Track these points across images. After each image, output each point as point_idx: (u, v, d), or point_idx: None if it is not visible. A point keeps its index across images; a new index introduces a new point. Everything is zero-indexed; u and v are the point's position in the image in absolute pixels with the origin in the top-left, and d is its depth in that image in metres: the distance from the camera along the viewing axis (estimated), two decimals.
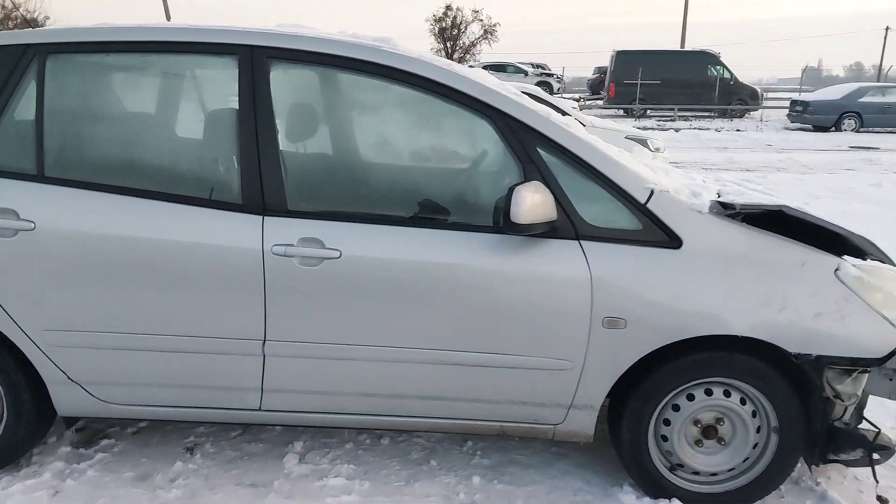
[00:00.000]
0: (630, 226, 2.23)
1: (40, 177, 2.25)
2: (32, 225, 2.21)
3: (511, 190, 2.03)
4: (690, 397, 2.31)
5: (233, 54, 2.26)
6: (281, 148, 2.25)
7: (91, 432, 2.81)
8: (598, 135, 9.79)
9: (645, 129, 18.66)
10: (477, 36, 47.12)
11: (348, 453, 2.68)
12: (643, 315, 2.19)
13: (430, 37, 47.11)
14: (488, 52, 46.01)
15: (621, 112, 23.28)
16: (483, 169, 2.41)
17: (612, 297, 2.19)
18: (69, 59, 2.30)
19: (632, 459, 2.37)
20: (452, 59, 47.27)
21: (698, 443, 2.36)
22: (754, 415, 2.31)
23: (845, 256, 2.25)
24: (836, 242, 2.39)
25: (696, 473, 2.38)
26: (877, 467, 2.34)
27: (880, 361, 2.20)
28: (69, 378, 2.34)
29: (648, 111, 23.01)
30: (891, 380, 2.32)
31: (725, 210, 2.29)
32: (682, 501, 2.35)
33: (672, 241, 2.21)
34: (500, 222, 2.16)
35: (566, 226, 2.21)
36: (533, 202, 2.03)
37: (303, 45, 2.27)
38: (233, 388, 2.34)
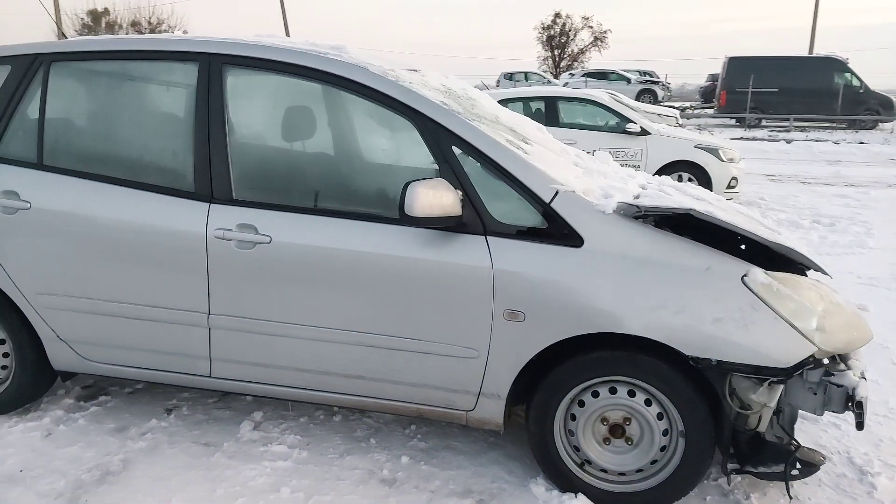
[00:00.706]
0: (535, 223, 2.31)
1: (39, 164, 2.69)
2: (28, 205, 2.64)
3: (406, 185, 2.18)
4: (595, 394, 2.34)
5: (194, 61, 2.59)
6: (229, 143, 2.54)
7: (95, 389, 3.25)
8: (663, 143, 9.54)
9: (754, 139, 17.73)
10: (586, 43, 46.53)
11: (300, 426, 2.93)
12: (541, 309, 2.26)
13: (538, 45, 47.11)
14: (598, 60, 45.26)
15: (733, 121, 22.14)
16: (404, 165, 2.57)
17: (512, 290, 2.28)
18: (66, 66, 2.73)
19: (539, 452, 2.44)
20: (560, 67, 46.62)
21: (606, 441, 2.38)
22: (660, 417, 2.30)
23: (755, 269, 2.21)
24: (764, 251, 2.35)
25: (605, 471, 2.40)
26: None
27: (787, 371, 2.14)
28: (58, 336, 2.75)
29: (763, 121, 21.71)
30: (815, 394, 2.24)
31: (634, 212, 2.31)
32: (588, 498, 2.38)
33: (573, 239, 2.27)
34: None
35: (475, 221, 2.33)
36: (427, 197, 2.17)
37: (252, 53, 2.56)
38: (187, 355, 2.65)
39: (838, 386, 2.20)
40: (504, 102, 9.16)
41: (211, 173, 2.53)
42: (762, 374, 2.15)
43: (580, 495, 2.39)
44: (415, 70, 2.90)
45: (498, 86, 26.98)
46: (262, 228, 2.45)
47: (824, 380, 2.24)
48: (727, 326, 2.14)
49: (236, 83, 2.59)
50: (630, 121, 8.70)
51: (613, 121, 8.86)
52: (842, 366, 2.26)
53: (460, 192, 2.31)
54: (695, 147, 8.60)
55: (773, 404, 2.24)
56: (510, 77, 30.54)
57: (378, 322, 2.42)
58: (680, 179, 8.60)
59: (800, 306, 2.16)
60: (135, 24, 38.18)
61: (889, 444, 2.84)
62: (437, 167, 2.37)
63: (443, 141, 2.38)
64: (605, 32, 46.04)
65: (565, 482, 2.42)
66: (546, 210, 2.29)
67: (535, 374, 2.40)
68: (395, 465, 2.65)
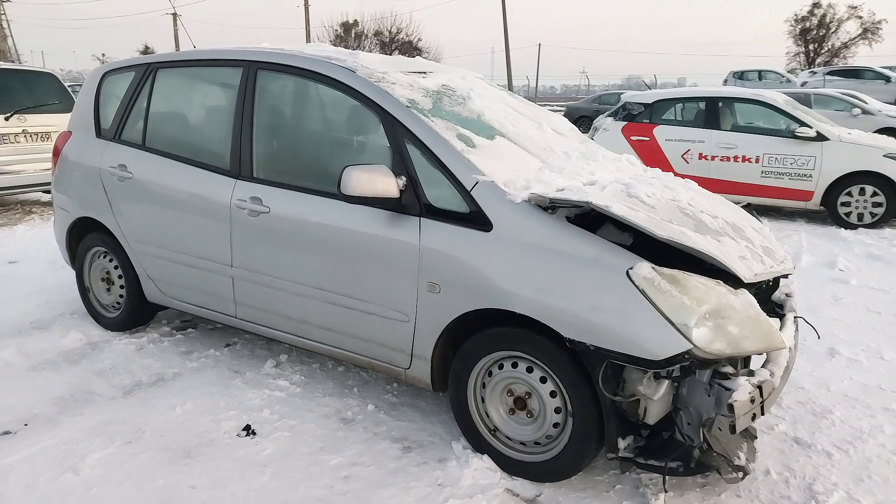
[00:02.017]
0: (459, 209, 2.60)
1: (142, 146, 3.61)
2: (131, 175, 3.57)
3: (343, 168, 2.62)
4: (501, 367, 2.57)
5: (240, 66, 3.29)
6: (254, 131, 3.19)
7: (187, 323, 4.17)
8: (844, 151, 8.61)
9: None
10: (852, 36, 40.96)
11: (309, 370, 3.51)
12: (452, 284, 2.56)
13: (789, 39, 42.62)
14: (866, 55, 39.46)
15: None
16: (371, 153, 3.00)
17: (432, 266, 2.61)
18: (166, 72, 3.61)
19: (457, 414, 2.72)
20: (815, 63, 41.12)
21: (511, 411, 2.59)
22: (553, 395, 2.46)
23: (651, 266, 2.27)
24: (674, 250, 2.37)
25: (510, 439, 2.61)
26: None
27: (659, 365, 2.19)
28: (147, 275, 3.67)
29: None
30: (709, 395, 2.24)
31: (545, 203, 2.47)
32: (493, 460, 2.62)
33: (485, 224, 2.52)
34: None
35: (414, 204, 2.68)
36: (359, 179, 2.58)
37: (276, 59, 3.18)
38: (222, 297, 3.38)
39: (727, 389, 2.18)
40: (661, 103, 8.91)
41: (240, 155, 3.21)
42: (636, 364, 2.22)
43: (486, 457, 2.63)
44: (423, 73, 3.30)
45: (725, 84, 25.20)
46: (265, 201, 3.07)
47: (714, 381, 2.23)
48: (606, 315, 2.24)
49: (262, 83, 3.23)
50: (804, 124, 7.91)
51: (784, 124, 8.11)
52: (731, 369, 2.24)
53: (404, 178, 2.69)
54: (885, 156, 7.58)
55: (658, 398, 2.28)
56: (741, 76, 28.19)
57: (338, 283, 2.90)
58: (863, 193, 7.65)
59: (680, 304, 2.17)
60: (378, 34, 42.25)
61: (874, 483, 2.59)
62: (391, 155, 2.77)
63: (398, 133, 2.77)
64: (879, 23, 40.08)
65: (478, 444, 2.68)
66: (467, 197, 2.57)
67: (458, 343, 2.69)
68: (359, 410, 3.11)
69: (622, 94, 13.72)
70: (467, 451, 2.70)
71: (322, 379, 3.43)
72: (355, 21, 43.30)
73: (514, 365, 2.54)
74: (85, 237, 3.97)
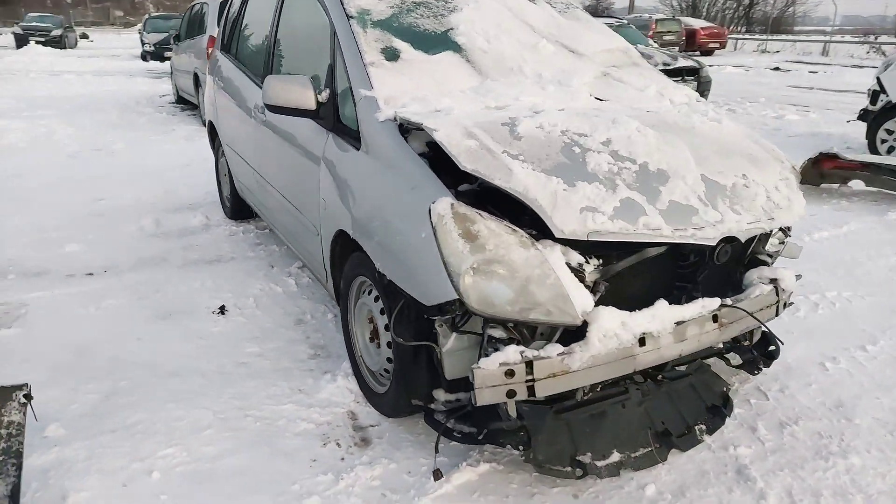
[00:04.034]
0: (353, 125, 2.52)
1: (229, 58, 4.17)
2: (222, 84, 4.16)
3: (265, 78, 2.72)
4: (369, 292, 2.48)
5: None
6: (274, 46, 3.46)
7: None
8: None
9: None
10: None
11: (311, 282, 3.75)
12: (331, 202, 2.54)
13: None
14: None
15: None
16: (321, 67, 2.96)
17: (324, 181, 2.61)
18: None
19: (344, 334, 2.73)
20: None
21: (372, 339, 2.52)
22: (387, 328, 2.32)
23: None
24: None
25: (367, 366, 2.55)
26: None
27: (429, 311, 1.93)
28: (232, 172, 4.30)
29: None
30: (487, 355, 1.90)
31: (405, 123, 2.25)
32: (357, 384, 2.60)
33: (358, 142, 2.42)
34: None
35: (330, 118, 2.68)
36: (275, 89, 2.65)
37: None
38: (257, 197, 3.82)
39: (485, 355, 1.85)
40: None
41: (263, 66, 3.52)
42: (417, 307, 1.99)
43: (352, 378, 2.63)
44: None
45: None
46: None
47: (490, 345, 1.90)
48: (406, 248, 2.04)
49: (289, 3, 3.43)
50: None
51: None
52: (502, 333, 1.85)
53: (328, 91, 2.69)
54: None
55: (446, 350, 2.02)
56: None
57: (288, 191, 3.09)
58: None
59: (460, 248, 1.84)
60: None
61: None
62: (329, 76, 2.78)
63: (334, 45, 2.75)
64: None
65: (354, 366, 2.67)
66: (357, 114, 2.48)
67: None
68: (315, 316, 3.30)
69: None
70: (346, 371, 2.72)
71: (313, 285, 3.66)
72: None
73: (370, 292, 2.45)
74: (215, 138, 4.78)
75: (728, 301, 2.13)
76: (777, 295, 2.25)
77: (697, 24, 27.63)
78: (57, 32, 22.74)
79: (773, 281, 2.28)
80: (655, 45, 12.76)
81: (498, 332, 1.91)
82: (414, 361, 2.14)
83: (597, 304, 1.94)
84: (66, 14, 33.25)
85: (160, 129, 8.38)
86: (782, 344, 2.64)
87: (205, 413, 2.47)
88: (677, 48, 21.80)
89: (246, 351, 2.96)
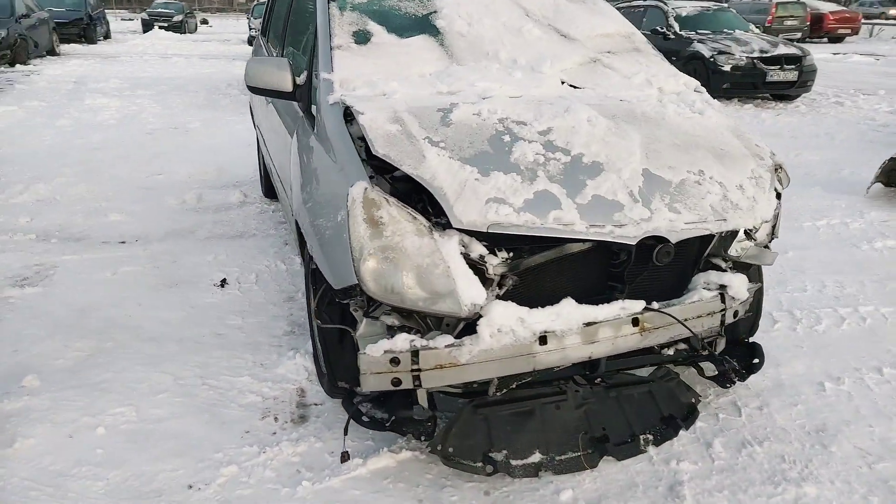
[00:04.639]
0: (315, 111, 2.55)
1: (264, 34, 4.32)
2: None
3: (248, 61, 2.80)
4: None
5: None
6: (287, 30, 3.54)
7: None
8: None
9: None
10: None
11: None
12: (294, 182, 2.59)
13: None
14: None
15: None
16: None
17: (292, 162, 2.66)
18: None
19: (308, 311, 2.78)
20: None
21: None
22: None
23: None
24: None
25: None
26: None
27: (337, 294, 1.94)
28: (265, 141, 4.47)
29: None
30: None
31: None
32: (312, 361, 2.66)
33: (314, 124, 2.45)
34: None
35: (306, 100, 2.73)
36: (253, 70, 2.72)
37: None
38: (274, 174, 3.95)
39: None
40: None
41: (277, 49, 3.62)
42: (331, 290, 2.00)
43: (309, 356, 2.68)
44: None
45: None
46: None
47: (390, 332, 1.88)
48: (325, 231, 2.05)
49: None
50: None
51: None
52: (394, 320, 1.82)
53: (305, 74, 2.74)
54: None
55: (359, 335, 2.02)
56: None
57: (281, 174, 3.17)
58: None
59: (362, 232, 1.83)
60: None
61: None
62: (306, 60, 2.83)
63: (315, 33, 2.79)
64: None
65: (313, 341, 2.73)
66: (317, 95, 2.51)
67: None
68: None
69: None
70: (308, 350, 2.77)
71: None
72: None
73: None
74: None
75: (655, 305, 1.98)
76: (723, 303, 2.06)
77: (826, 7, 25.40)
78: (178, 18, 24.39)
79: (721, 288, 2.09)
80: (758, 30, 11.89)
81: (391, 320, 1.89)
82: (339, 345, 2.16)
83: (504, 297, 1.87)
84: (192, 1, 35.56)
85: (238, 111, 8.82)
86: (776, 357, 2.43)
87: (165, 378, 2.61)
88: (799, 34, 20.26)
89: (228, 322, 3.09)
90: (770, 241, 2.39)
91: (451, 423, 2.05)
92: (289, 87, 2.68)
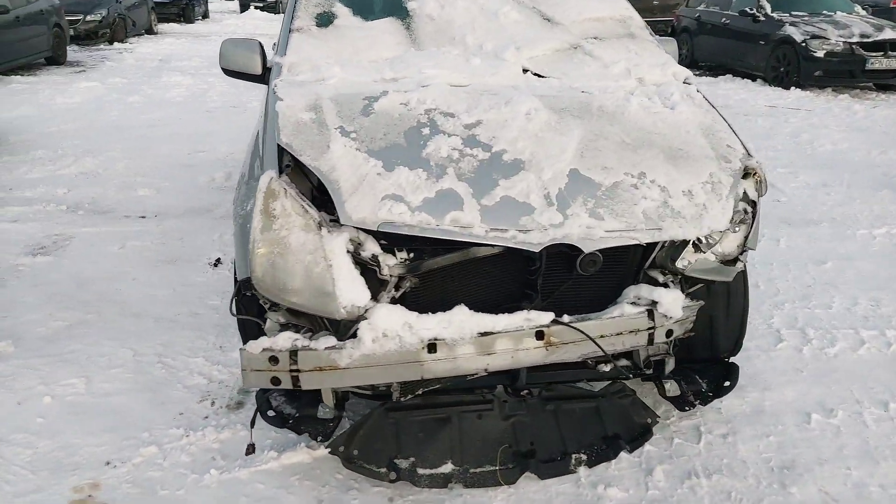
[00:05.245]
0: None
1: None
2: None
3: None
4: None
5: None
6: None
7: None
8: None
9: None
10: None
11: None
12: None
13: None
14: None
15: None
16: None
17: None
18: None
19: None
20: None
21: None
22: None
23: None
24: None
25: None
26: None
27: (241, 285, 1.90)
28: None
29: None
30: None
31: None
32: None
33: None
34: None
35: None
36: (226, 51, 2.72)
37: None
38: None
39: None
40: None
41: None
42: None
43: None
44: None
45: None
46: None
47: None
48: (240, 217, 2.04)
49: None
50: None
51: None
52: (281, 318, 1.76)
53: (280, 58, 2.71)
54: None
55: (267, 327, 1.98)
56: None
57: None
58: None
59: (258, 224, 1.78)
60: None
61: None
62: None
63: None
64: None
65: None
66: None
67: None
68: None
69: None
70: None
71: None
72: None
73: None
74: None
75: (566, 318, 1.81)
76: (652, 320, 1.85)
77: None
78: None
79: (653, 304, 1.88)
80: (863, 12, 10.81)
81: (276, 316, 1.83)
82: (256, 337, 2.12)
83: (399, 300, 1.77)
84: None
85: None
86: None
87: (126, 353, 2.69)
88: None
89: (208, 303, 3.14)
90: (742, 255, 2.13)
91: (358, 424, 1.98)
92: (258, 70, 2.68)
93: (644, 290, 1.88)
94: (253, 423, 2.07)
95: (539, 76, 2.38)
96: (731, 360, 2.42)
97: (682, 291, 2.06)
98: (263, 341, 1.75)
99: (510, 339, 1.74)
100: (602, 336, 1.80)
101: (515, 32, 2.57)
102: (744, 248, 2.12)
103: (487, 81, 2.24)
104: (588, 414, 2.16)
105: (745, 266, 2.17)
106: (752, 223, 2.10)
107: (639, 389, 2.36)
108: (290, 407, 2.04)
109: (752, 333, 2.94)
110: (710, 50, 11.24)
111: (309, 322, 1.84)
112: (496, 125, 1.94)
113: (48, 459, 2.12)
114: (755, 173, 2.07)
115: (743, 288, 2.33)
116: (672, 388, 2.25)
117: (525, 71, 2.38)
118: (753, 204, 2.09)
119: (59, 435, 2.23)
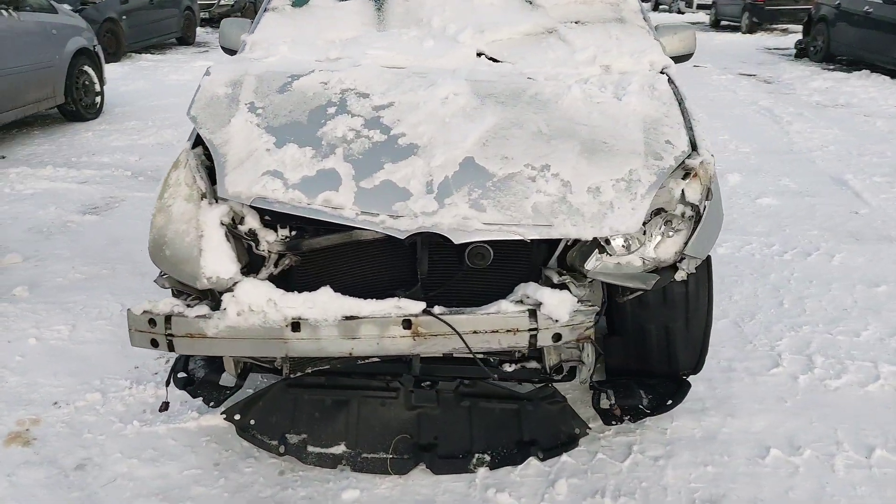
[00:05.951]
0: None
1: None
2: None
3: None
4: None
5: None
6: None
7: None
8: None
9: None
10: None
11: None
12: None
13: None
14: None
15: None
16: None
17: None
18: None
19: None
20: None
21: None
22: None
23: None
24: None
25: None
26: None
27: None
28: None
29: None
30: None
31: None
32: None
33: None
34: None
35: None
36: (226, 31, 2.85)
37: None
38: None
39: None
40: None
41: None
42: None
43: None
44: None
45: None
46: None
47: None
48: None
49: None
50: None
51: None
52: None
53: None
54: None
55: None
56: None
57: None
58: None
59: (157, 198, 1.87)
60: None
61: None
62: None
63: None
64: None
65: None
66: None
67: None
68: None
69: None
70: None
71: None
72: None
73: None
74: None
75: (437, 310, 1.72)
76: (534, 321, 1.72)
77: None
78: None
79: (538, 304, 1.75)
80: None
81: (162, 281, 1.90)
82: None
83: (280, 275, 1.80)
84: None
85: None
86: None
87: (116, 307, 2.92)
88: None
89: None
90: (682, 262, 1.92)
91: (257, 395, 2.03)
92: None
93: (531, 290, 1.76)
94: (168, 383, 2.18)
95: (495, 60, 2.28)
96: (691, 377, 2.22)
97: (602, 294, 1.91)
98: (145, 304, 1.83)
99: (375, 325, 1.70)
100: (475, 332, 1.70)
101: (487, 15, 2.47)
102: (682, 255, 1.91)
103: (428, 64, 2.18)
104: (506, 415, 2.07)
105: (687, 276, 1.95)
106: (694, 228, 1.89)
107: (584, 398, 2.23)
108: (201, 371, 2.12)
109: (748, 354, 2.67)
110: (849, 42, 10.02)
111: (195, 291, 1.90)
112: (406, 108, 1.89)
113: (10, 393, 2.36)
114: (693, 175, 1.86)
115: (707, 300, 2.12)
116: (604, 399, 2.09)
117: (480, 55, 2.29)
118: (694, 207, 1.88)
119: (29, 373, 2.47)
